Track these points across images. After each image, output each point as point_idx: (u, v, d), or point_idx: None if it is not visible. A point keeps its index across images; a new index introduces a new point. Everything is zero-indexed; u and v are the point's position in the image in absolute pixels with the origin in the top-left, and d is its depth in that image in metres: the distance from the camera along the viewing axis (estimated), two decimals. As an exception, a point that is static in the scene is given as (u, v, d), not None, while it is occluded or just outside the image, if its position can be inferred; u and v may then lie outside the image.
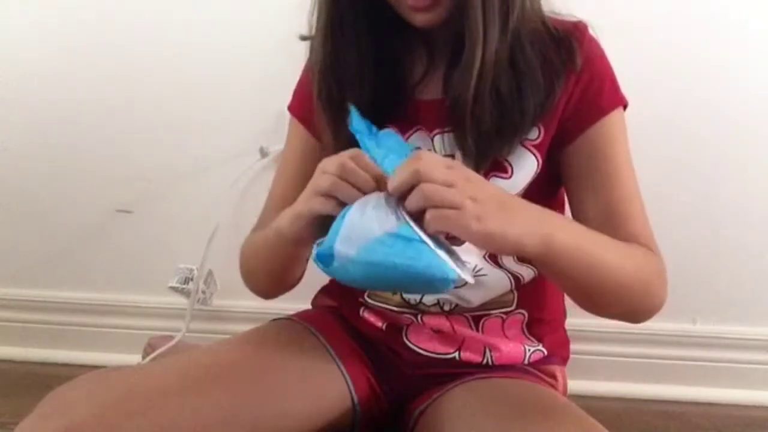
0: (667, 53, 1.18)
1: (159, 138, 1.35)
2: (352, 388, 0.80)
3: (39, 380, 1.37)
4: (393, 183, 0.59)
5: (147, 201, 1.38)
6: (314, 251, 0.63)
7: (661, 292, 0.72)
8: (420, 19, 0.72)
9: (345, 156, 0.64)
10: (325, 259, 0.60)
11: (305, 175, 0.86)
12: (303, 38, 0.81)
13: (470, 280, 0.60)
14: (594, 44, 0.77)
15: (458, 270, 0.58)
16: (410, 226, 0.58)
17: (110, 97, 1.34)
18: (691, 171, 1.23)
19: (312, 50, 0.79)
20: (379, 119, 0.76)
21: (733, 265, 1.25)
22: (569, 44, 0.74)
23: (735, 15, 1.17)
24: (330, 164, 0.64)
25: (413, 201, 0.58)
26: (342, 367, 0.80)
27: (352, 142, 0.72)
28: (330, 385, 0.79)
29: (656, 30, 1.17)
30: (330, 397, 0.78)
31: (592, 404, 0.70)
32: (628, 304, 0.70)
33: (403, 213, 0.59)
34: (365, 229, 0.58)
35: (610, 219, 0.73)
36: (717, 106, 1.19)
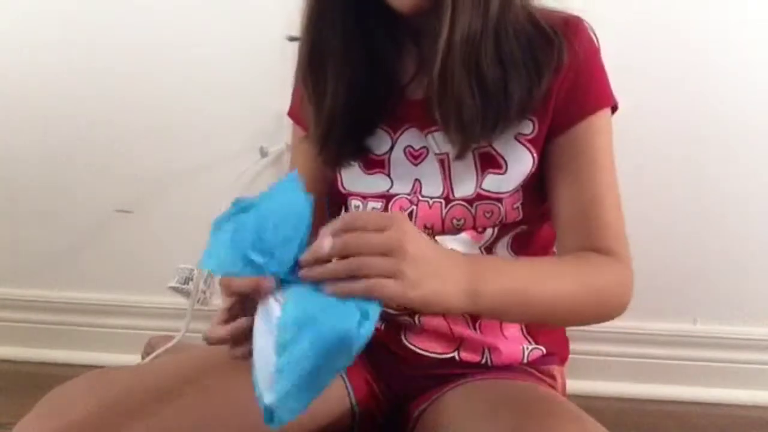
0: (668, 51, 1.18)
1: (159, 138, 1.35)
2: (350, 389, 0.80)
3: (39, 380, 1.37)
4: (319, 250, 0.54)
5: (147, 201, 1.38)
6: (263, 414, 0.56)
7: (622, 298, 0.73)
8: (397, 3, 0.70)
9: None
10: (268, 415, 0.55)
11: (314, 180, 0.86)
12: (291, 39, 0.81)
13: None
14: (586, 40, 0.75)
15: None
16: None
17: (110, 98, 1.34)
18: (691, 171, 1.23)
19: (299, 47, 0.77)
20: (369, 119, 0.77)
21: (734, 265, 1.24)
22: (558, 40, 0.73)
23: (736, 12, 1.17)
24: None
25: (342, 270, 0.54)
26: (341, 368, 0.80)
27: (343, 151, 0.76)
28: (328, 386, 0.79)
29: (657, 27, 1.17)
30: (328, 398, 0.78)
31: (592, 404, 0.70)
32: (584, 319, 0.73)
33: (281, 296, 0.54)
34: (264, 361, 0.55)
35: (582, 222, 0.74)
36: (719, 104, 1.19)
